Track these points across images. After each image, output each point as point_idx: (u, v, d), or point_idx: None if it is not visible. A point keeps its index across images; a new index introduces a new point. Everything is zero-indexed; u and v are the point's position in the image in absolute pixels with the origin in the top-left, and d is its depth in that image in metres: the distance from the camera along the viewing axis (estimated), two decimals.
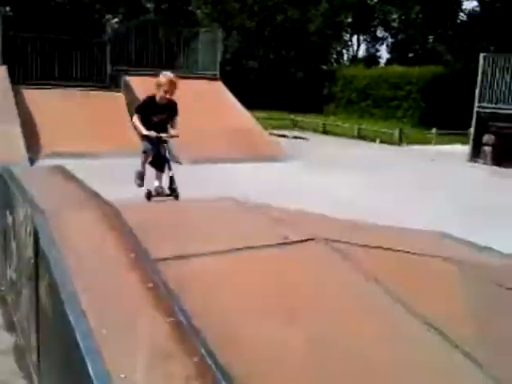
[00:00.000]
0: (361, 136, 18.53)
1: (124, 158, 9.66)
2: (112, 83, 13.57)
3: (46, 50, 13.29)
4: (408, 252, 3.44)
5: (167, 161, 5.28)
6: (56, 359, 2.46)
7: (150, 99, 5.21)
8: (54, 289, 2.45)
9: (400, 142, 17.02)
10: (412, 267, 3.09)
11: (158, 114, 5.20)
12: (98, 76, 13.69)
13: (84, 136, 10.93)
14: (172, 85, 5.06)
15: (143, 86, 12.78)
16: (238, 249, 3.00)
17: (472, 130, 13.50)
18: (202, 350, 1.95)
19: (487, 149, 13.02)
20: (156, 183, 5.30)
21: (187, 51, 15.26)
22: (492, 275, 3.50)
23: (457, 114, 17.89)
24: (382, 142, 17.22)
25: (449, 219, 6.40)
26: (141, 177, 5.66)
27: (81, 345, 1.96)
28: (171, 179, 4.94)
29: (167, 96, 5.06)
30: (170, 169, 5.01)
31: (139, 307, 2.27)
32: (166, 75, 5.10)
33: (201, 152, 10.58)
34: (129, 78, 13.10)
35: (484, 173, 11.79)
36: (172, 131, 5.27)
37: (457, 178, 10.93)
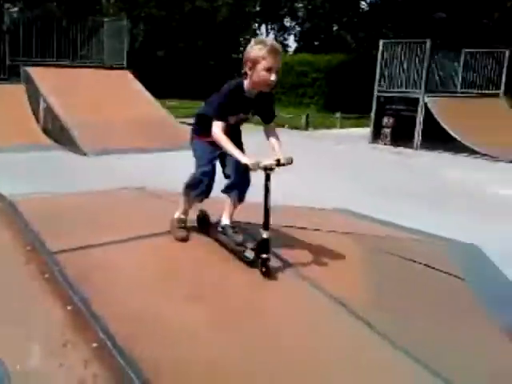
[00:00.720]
0: None
1: (25, 153, 9.31)
2: (12, 75, 12.96)
3: None
4: (315, 229, 3.65)
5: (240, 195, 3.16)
6: None
7: (238, 88, 2.90)
8: None
9: (307, 127, 17.55)
10: (316, 243, 3.24)
11: (241, 113, 3.05)
12: None
13: None
14: (279, 57, 2.79)
15: (45, 76, 12.28)
16: (142, 236, 3.03)
17: (372, 113, 14.28)
18: (102, 336, 1.99)
19: (386, 130, 13.94)
20: (226, 221, 3.12)
21: (93, 41, 14.80)
22: (392, 247, 3.77)
23: (360, 99, 18.67)
24: (289, 127, 17.64)
25: (353, 197, 6.82)
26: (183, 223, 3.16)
27: None
28: (264, 243, 2.76)
29: (276, 79, 2.78)
30: (265, 228, 2.77)
31: (36, 298, 2.26)
32: (269, 42, 2.77)
33: (109, 143, 10.30)
34: (29, 69, 12.52)
35: (382, 152, 12.57)
36: (276, 146, 3.17)
37: (360, 158, 11.60)
